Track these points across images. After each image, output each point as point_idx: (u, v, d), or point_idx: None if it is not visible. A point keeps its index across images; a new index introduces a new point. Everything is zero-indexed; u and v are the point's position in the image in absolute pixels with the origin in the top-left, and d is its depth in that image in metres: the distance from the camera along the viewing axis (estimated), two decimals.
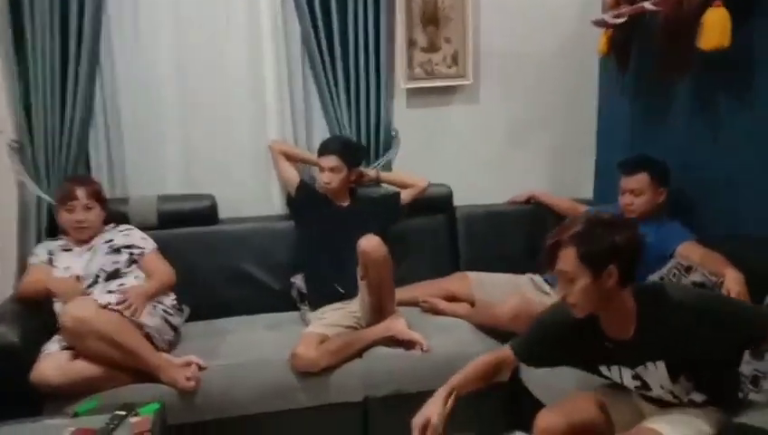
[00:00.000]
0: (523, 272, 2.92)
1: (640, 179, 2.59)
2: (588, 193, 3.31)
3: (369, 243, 2.41)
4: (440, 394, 1.80)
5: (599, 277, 1.60)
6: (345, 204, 2.87)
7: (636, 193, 2.59)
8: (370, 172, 2.99)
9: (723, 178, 2.48)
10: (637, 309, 1.67)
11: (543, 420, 1.77)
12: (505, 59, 3.16)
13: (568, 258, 1.61)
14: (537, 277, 2.85)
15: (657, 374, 1.69)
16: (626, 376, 1.76)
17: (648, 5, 2.46)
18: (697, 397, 1.71)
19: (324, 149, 2.80)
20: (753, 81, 2.31)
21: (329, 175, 2.77)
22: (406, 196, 2.94)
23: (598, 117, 3.28)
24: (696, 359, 1.64)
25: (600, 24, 2.85)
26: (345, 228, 2.72)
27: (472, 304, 2.79)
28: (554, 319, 1.84)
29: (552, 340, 1.84)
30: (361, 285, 2.54)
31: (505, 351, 1.92)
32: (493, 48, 3.13)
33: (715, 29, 2.18)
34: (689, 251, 2.34)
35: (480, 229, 3.11)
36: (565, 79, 3.23)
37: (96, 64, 2.76)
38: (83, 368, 2.16)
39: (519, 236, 3.11)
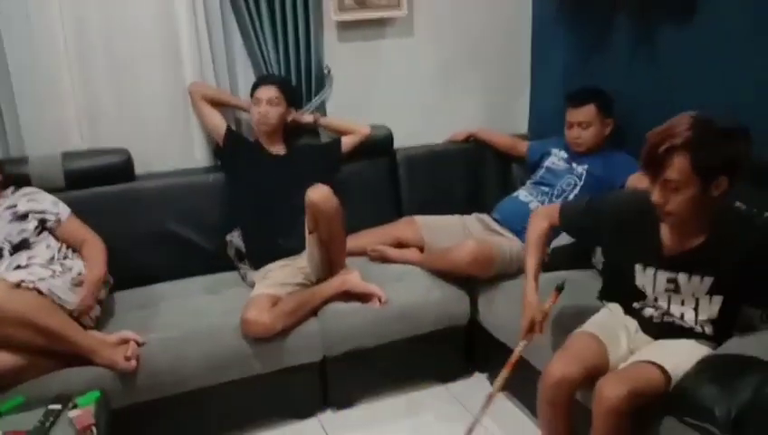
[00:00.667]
0: (468, 212, 2.85)
1: (588, 111, 2.56)
2: (524, 128, 3.26)
3: (318, 193, 2.22)
4: (530, 290, 1.86)
5: (707, 188, 1.51)
6: (281, 153, 2.63)
7: (584, 126, 2.57)
8: (308, 117, 2.75)
9: (663, 107, 2.43)
10: (714, 224, 1.60)
11: (556, 369, 1.66)
12: None
13: (680, 166, 1.50)
14: (485, 216, 2.79)
15: (698, 286, 1.65)
16: (660, 278, 1.70)
17: None
18: (708, 328, 1.69)
19: (262, 80, 2.56)
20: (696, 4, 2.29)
21: (266, 107, 2.52)
22: (347, 143, 2.74)
23: (532, 51, 3.20)
24: (746, 286, 1.61)
25: None
26: (283, 178, 2.53)
27: (421, 249, 2.69)
28: (618, 203, 1.77)
29: (605, 221, 1.77)
30: (310, 238, 2.35)
31: (553, 215, 1.90)
32: None
33: None
34: (638, 182, 2.33)
35: (421, 171, 2.99)
36: (499, 11, 3.10)
37: None
38: (0, 359, 1.85)
39: (461, 175, 3.04)
